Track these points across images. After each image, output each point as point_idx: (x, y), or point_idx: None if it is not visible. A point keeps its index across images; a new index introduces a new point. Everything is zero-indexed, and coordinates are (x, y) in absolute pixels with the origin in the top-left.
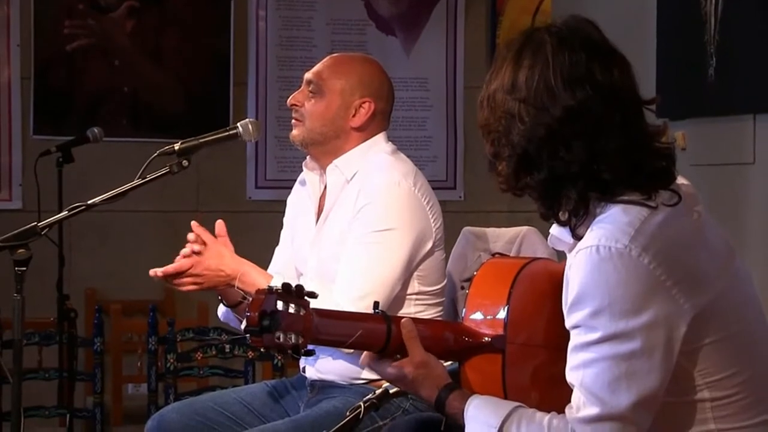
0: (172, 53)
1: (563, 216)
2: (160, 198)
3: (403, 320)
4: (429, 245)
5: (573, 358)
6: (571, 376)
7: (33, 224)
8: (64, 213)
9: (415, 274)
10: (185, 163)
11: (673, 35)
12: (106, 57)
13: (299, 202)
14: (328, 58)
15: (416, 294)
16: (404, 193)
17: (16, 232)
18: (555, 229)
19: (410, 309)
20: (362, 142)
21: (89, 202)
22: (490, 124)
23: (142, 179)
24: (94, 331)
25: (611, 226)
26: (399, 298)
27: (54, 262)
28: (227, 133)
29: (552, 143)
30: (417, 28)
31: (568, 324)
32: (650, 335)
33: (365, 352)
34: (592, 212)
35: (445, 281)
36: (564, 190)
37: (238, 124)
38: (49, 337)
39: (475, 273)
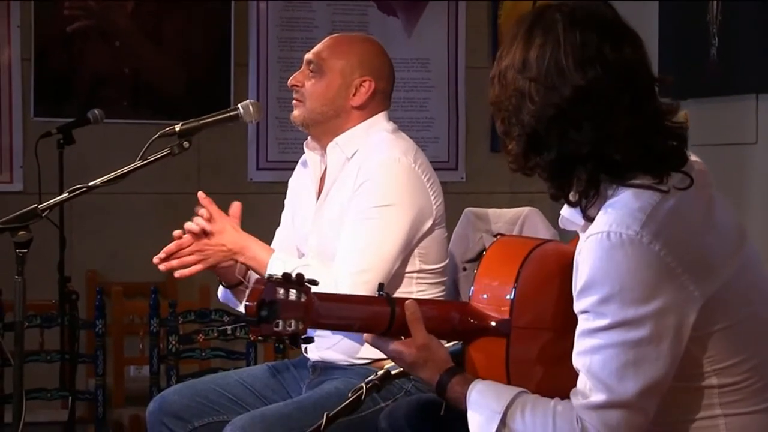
0: (172, 34)
1: (573, 197)
2: (161, 180)
3: (407, 302)
4: (429, 223)
5: (580, 344)
6: (578, 361)
7: (33, 206)
8: (65, 195)
9: (416, 251)
10: (186, 144)
11: (676, 15)
12: (107, 38)
13: (301, 182)
14: (328, 38)
15: (417, 272)
16: (404, 169)
17: (16, 214)
18: (566, 210)
19: (411, 288)
20: (363, 121)
21: (90, 184)
22: (501, 101)
23: (143, 161)
24: (95, 313)
25: (622, 211)
26: (399, 276)
27: (55, 244)
28: (228, 115)
29: (562, 123)
30: (418, 9)
31: (576, 309)
32: (659, 323)
33: None
34: (603, 194)
35: (447, 261)
36: (574, 170)
37: (239, 106)
38: (50, 319)
39: (484, 252)
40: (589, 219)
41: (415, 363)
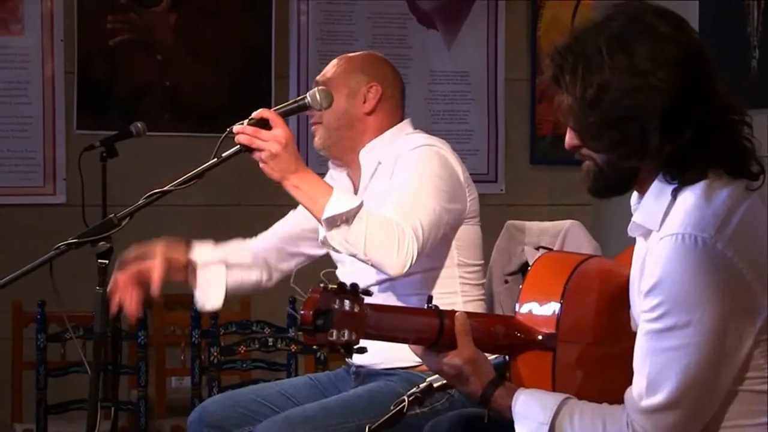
0: (213, 47)
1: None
2: (203, 192)
3: (457, 314)
4: (463, 211)
5: (642, 345)
6: (638, 362)
7: (111, 216)
8: (142, 201)
9: (454, 243)
10: None
11: (716, 27)
12: (149, 51)
13: None
14: (333, 60)
15: (458, 267)
16: (440, 156)
17: (95, 225)
18: (640, 216)
19: (456, 288)
20: (382, 128)
21: (165, 188)
22: (614, 115)
23: (218, 159)
24: (137, 324)
25: (697, 213)
26: (443, 274)
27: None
28: (296, 105)
29: (693, 98)
30: (458, 22)
31: (642, 308)
32: (724, 327)
33: None
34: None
35: (482, 261)
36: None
37: (307, 94)
38: (93, 330)
39: (527, 265)
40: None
41: (459, 375)
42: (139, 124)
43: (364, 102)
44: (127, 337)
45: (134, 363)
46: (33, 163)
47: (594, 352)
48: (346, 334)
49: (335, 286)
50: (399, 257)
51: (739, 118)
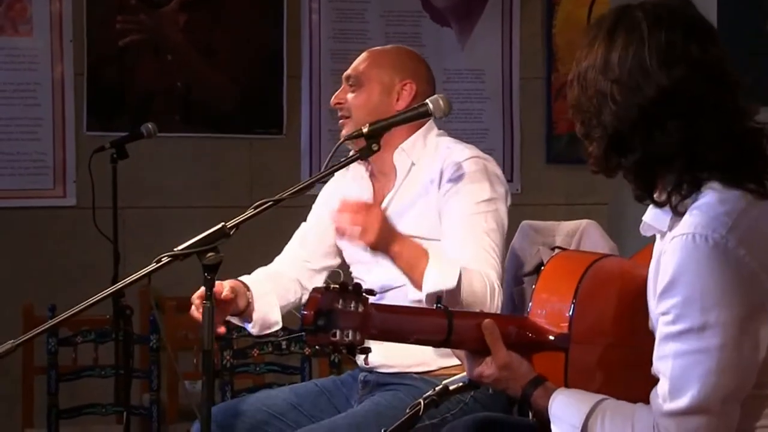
0: (224, 47)
1: (659, 197)
2: (214, 193)
3: (484, 322)
4: None
5: (661, 348)
6: (659, 365)
7: (221, 225)
8: (250, 212)
9: None
10: (375, 146)
11: (735, 25)
12: (159, 52)
13: (342, 190)
14: (363, 53)
15: None
16: (492, 167)
17: (203, 235)
18: (649, 215)
19: None
20: (413, 127)
21: (275, 197)
22: (581, 103)
23: (331, 167)
24: (150, 327)
25: (709, 214)
26: None
27: (109, 259)
28: (416, 112)
29: (646, 124)
30: (472, 20)
31: (657, 311)
32: (742, 328)
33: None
34: (691, 194)
35: None
36: (660, 171)
37: (428, 101)
38: (104, 334)
39: (542, 265)
40: (680, 214)
41: (498, 381)
42: (150, 126)
43: (398, 99)
44: (139, 341)
45: (146, 367)
46: (43, 165)
47: (608, 353)
48: (350, 335)
49: (337, 286)
50: (490, 310)
51: (749, 120)
